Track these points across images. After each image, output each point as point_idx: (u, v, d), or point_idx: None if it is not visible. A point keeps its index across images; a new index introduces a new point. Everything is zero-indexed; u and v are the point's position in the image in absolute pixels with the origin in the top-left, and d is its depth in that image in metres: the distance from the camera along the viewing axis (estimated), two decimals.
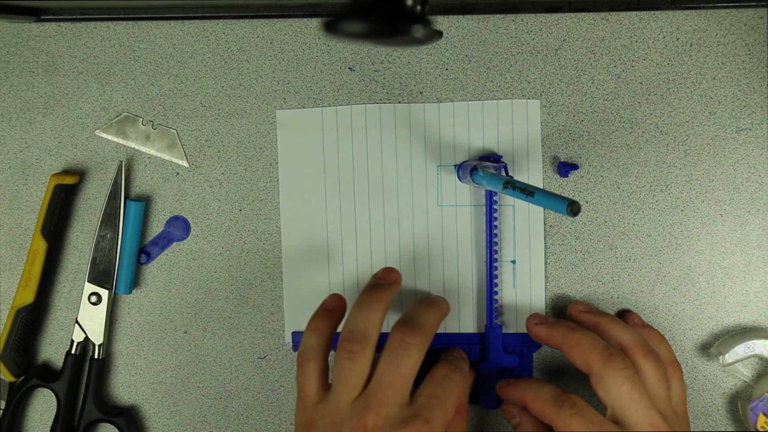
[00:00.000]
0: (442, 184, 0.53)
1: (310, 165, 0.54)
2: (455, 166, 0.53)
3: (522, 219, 0.53)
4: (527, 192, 0.43)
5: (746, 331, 0.52)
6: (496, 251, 0.52)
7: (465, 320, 0.54)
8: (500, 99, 0.53)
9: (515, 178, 0.53)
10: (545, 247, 0.53)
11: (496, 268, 0.53)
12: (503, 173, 0.51)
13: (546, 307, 0.53)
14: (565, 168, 0.52)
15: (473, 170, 0.50)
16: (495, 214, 0.52)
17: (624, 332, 0.49)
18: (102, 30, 0.54)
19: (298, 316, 0.54)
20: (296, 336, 0.54)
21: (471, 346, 0.53)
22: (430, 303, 0.50)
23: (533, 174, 0.53)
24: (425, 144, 0.53)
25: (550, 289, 0.53)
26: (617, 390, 0.45)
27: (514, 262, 0.53)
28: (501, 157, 0.52)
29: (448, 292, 0.54)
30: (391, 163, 0.53)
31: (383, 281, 0.49)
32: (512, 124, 0.53)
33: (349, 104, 0.53)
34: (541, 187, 0.53)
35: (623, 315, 0.53)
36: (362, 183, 0.54)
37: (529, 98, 0.53)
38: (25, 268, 0.54)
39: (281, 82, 0.54)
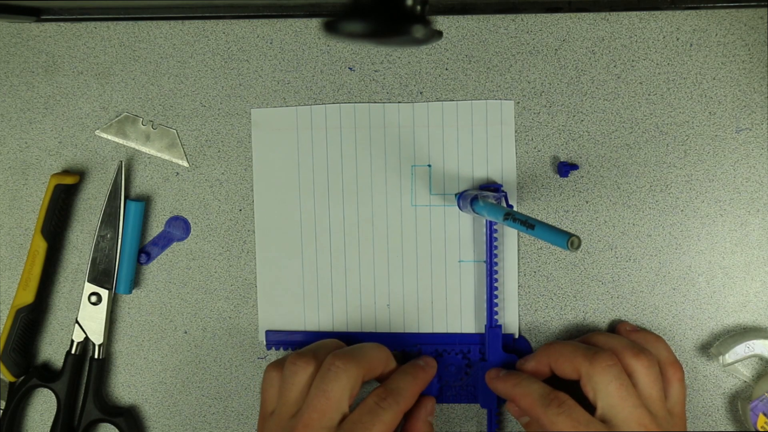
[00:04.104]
0: (416, 185, 0.53)
1: (284, 164, 0.54)
2: (428, 164, 0.53)
3: None
4: (527, 225, 0.43)
5: (746, 331, 0.52)
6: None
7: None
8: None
9: (506, 188, 0.53)
10: (545, 247, 0.53)
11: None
12: (503, 203, 0.51)
13: (546, 307, 0.53)
14: (565, 168, 0.52)
15: (473, 200, 0.50)
16: None
17: (611, 339, 0.49)
18: (102, 30, 0.54)
19: (271, 314, 0.54)
20: (270, 335, 0.54)
21: (470, 346, 0.53)
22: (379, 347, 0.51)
23: (506, 174, 0.53)
24: (399, 144, 0.53)
25: (550, 289, 0.53)
26: (605, 388, 0.45)
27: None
28: (501, 186, 0.52)
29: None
30: (366, 163, 0.53)
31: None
32: (486, 125, 0.53)
33: (324, 103, 0.53)
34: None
35: (614, 325, 0.53)
36: (336, 182, 0.53)
37: (528, 98, 0.53)
38: (25, 268, 0.54)
39: (281, 82, 0.54)
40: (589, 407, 0.46)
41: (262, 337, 0.55)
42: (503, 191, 0.52)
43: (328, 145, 0.53)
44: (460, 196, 0.52)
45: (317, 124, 0.53)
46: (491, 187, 0.52)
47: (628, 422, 0.44)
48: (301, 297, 0.54)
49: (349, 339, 0.54)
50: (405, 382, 0.49)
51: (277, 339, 0.54)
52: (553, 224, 0.52)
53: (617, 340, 0.49)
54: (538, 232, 0.43)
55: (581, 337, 0.51)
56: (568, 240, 0.40)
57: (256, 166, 0.54)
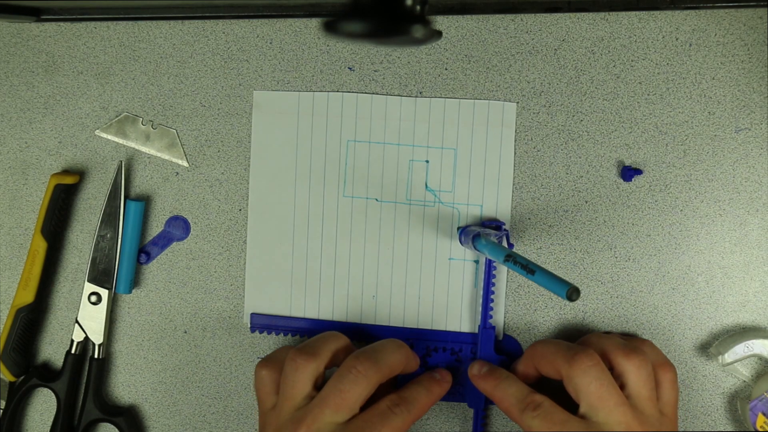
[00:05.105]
0: (412, 179, 0.53)
1: (282, 148, 0.54)
2: (426, 159, 0.53)
3: None
4: (528, 269, 0.43)
5: (745, 331, 0.52)
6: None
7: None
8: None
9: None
10: (544, 247, 0.53)
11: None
12: (505, 241, 0.51)
13: (545, 307, 0.54)
14: (629, 172, 0.52)
15: (476, 237, 0.50)
16: None
17: (602, 339, 0.49)
18: (102, 30, 0.54)
19: (258, 297, 0.54)
20: (255, 318, 0.54)
21: (462, 345, 0.53)
22: (400, 349, 0.50)
23: (503, 177, 0.53)
24: (399, 137, 0.53)
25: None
26: (585, 389, 0.45)
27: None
28: (503, 224, 0.52)
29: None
30: (364, 154, 0.53)
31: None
32: (487, 125, 0.53)
33: (327, 91, 0.53)
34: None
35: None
36: (332, 170, 0.53)
37: (528, 98, 0.53)
38: (25, 268, 0.54)
39: (281, 82, 0.54)
40: (576, 405, 0.46)
41: (247, 320, 0.55)
42: (505, 230, 0.52)
43: (328, 133, 0.53)
44: (462, 232, 0.52)
45: (318, 110, 0.53)
46: (493, 224, 0.52)
47: (609, 422, 0.44)
48: (289, 282, 0.54)
49: (335, 329, 0.54)
50: (419, 393, 0.49)
51: (261, 323, 0.54)
52: (554, 267, 0.53)
53: (609, 340, 0.49)
54: (538, 278, 0.43)
55: (578, 340, 0.51)
56: (568, 290, 0.41)
57: (254, 149, 0.54)
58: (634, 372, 0.46)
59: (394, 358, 0.49)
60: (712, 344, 0.53)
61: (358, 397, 0.46)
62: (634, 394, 0.46)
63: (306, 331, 0.54)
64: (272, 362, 0.50)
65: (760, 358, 0.52)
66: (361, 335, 0.54)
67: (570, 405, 0.46)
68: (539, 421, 0.45)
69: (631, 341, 0.50)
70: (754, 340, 0.51)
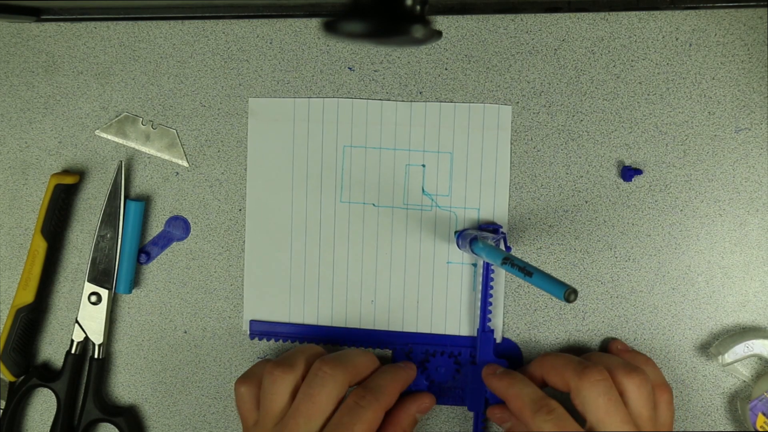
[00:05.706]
0: (409, 184, 0.53)
1: (278, 155, 0.54)
2: (422, 164, 0.53)
3: None
4: (526, 272, 0.43)
5: (745, 331, 0.52)
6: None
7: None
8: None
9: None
10: (544, 248, 0.53)
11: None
12: (502, 245, 0.51)
13: (545, 307, 0.54)
14: (629, 172, 0.52)
15: (473, 240, 0.50)
16: None
17: (605, 357, 0.49)
18: (102, 30, 0.54)
19: (257, 304, 0.54)
20: (254, 324, 0.54)
21: (461, 349, 0.53)
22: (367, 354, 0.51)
23: (500, 178, 0.53)
24: (395, 142, 0.53)
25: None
26: (594, 402, 0.45)
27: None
28: (500, 227, 0.52)
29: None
30: (360, 160, 0.53)
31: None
32: (483, 129, 0.53)
33: (322, 96, 0.53)
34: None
35: (607, 343, 0.53)
36: (329, 176, 0.53)
37: (528, 98, 0.53)
38: (25, 268, 0.54)
39: (281, 81, 0.54)
40: (582, 421, 0.46)
41: (246, 327, 0.55)
42: (502, 232, 0.52)
43: (324, 139, 0.53)
44: (459, 235, 0.52)
45: (314, 117, 0.53)
46: (490, 227, 0.52)
47: None
48: (287, 289, 0.54)
49: (334, 334, 0.54)
50: (384, 379, 0.49)
51: (261, 329, 0.54)
52: (554, 267, 0.52)
53: (611, 359, 0.49)
54: (536, 280, 0.43)
55: (581, 356, 0.51)
56: (565, 292, 0.41)
57: (251, 156, 0.54)
58: (635, 391, 0.46)
59: (360, 360, 0.49)
60: (712, 344, 0.53)
61: (328, 399, 0.46)
62: (635, 413, 0.46)
63: (305, 338, 0.54)
64: (250, 378, 0.50)
65: (760, 358, 0.52)
66: (361, 340, 0.54)
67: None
68: (551, 425, 0.45)
69: (633, 358, 0.51)
70: (754, 340, 0.51)
